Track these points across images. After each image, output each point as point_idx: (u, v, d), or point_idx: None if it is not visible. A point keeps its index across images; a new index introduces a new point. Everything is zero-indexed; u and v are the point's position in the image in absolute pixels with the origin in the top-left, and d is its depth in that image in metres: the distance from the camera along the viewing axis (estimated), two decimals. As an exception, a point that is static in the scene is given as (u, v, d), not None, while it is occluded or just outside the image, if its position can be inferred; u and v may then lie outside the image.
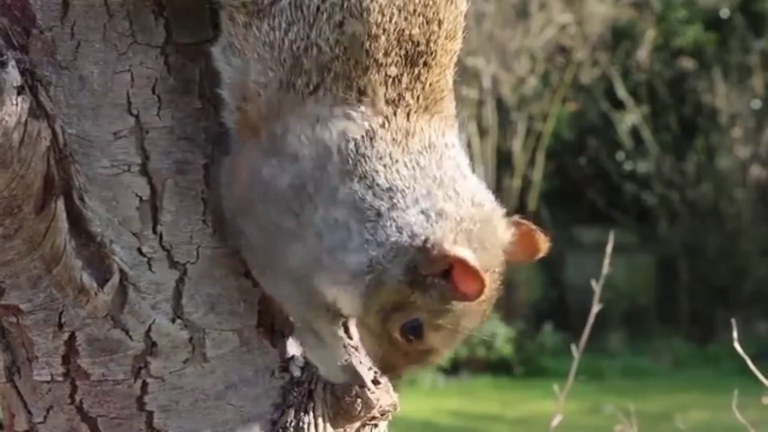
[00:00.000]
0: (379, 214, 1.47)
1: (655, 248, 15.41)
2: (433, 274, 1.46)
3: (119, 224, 1.61)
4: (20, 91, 1.52)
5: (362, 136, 1.50)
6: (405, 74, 1.53)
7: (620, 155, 15.64)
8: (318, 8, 1.50)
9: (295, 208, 1.53)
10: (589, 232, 14.87)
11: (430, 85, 1.56)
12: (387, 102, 1.53)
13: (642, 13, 15.54)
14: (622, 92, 15.26)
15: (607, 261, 2.93)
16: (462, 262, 1.44)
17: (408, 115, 1.53)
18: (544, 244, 1.56)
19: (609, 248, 2.93)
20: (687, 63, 15.41)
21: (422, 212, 1.47)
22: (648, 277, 15.36)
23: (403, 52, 1.52)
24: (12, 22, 1.59)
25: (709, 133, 15.40)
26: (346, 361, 1.61)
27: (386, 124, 1.51)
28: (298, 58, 1.51)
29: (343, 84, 1.52)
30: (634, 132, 15.47)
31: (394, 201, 1.47)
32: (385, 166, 1.48)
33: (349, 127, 1.51)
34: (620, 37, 15.47)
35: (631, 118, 15.39)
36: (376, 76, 1.51)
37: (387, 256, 1.47)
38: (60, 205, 1.58)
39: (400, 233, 1.46)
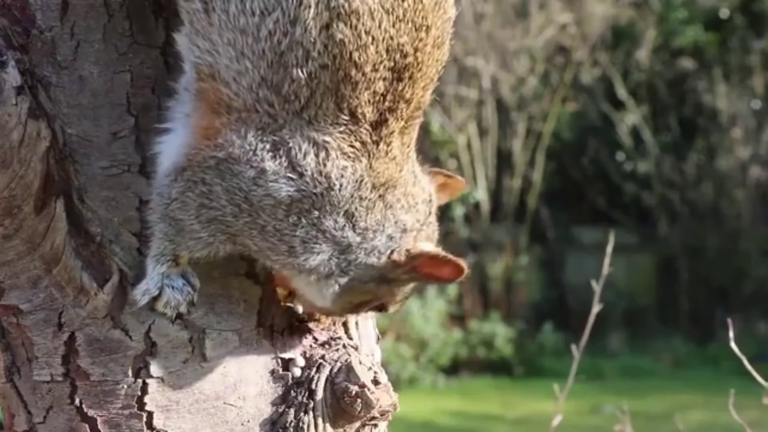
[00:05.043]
0: (350, 246, 1.57)
1: (655, 248, 15.41)
2: (402, 274, 1.60)
3: (119, 224, 1.61)
4: (20, 91, 1.52)
5: (356, 180, 1.53)
6: (390, 92, 1.51)
7: (620, 155, 15.64)
8: (300, 1, 1.46)
9: (278, 214, 1.53)
10: (589, 232, 14.87)
11: (412, 103, 1.54)
12: (372, 127, 1.52)
13: (642, 13, 15.54)
14: (622, 92, 15.26)
15: (607, 261, 2.93)
16: (429, 257, 1.59)
17: (387, 145, 1.54)
18: (460, 184, 1.75)
19: (609, 248, 2.93)
20: (687, 63, 15.41)
21: (389, 237, 1.58)
22: (648, 277, 15.36)
23: (391, 63, 1.50)
24: (12, 23, 1.59)
25: (709, 134, 15.41)
26: None
27: (370, 166, 1.54)
28: (282, 56, 1.47)
29: (333, 103, 1.49)
30: (634, 132, 15.46)
31: (367, 237, 1.57)
32: (366, 208, 1.55)
33: (348, 168, 1.52)
34: (620, 37, 15.47)
35: (631, 118, 15.39)
36: (365, 94, 1.50)
37: (353, 270, 1.58)
38: (60, 205, 1.58)
39: (368, 256, 1.58)
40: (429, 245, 1.60)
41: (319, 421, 1.66)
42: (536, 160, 14.97)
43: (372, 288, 1.61)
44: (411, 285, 1.66)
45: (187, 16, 1.52)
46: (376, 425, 1.73)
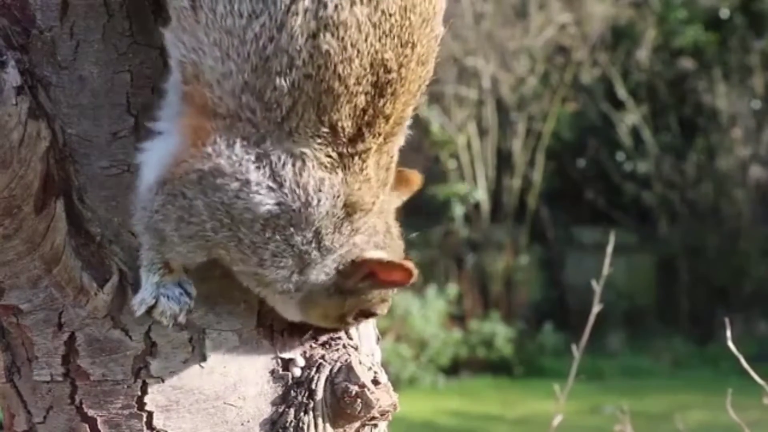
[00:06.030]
0: (310, 263, 1.56)
1: (655, 248, 15.41)
2: (356, 283, 1.59)
3: (119, 224, 1.61)
4: (20, 91, 1.52)
5: (333, 196, 1.52)
6: (371, 107, 1.50)
7: (620, 155, 15.64)
8: (288, 8, 1.45)
9: (255, 227, 1.52)
10: (589, 232, 14.87)
11: (392, 119, 1.53)
12: (350, 141, 1.51)
13: (642, 13, 15.54)
14: (622, 92, 15.26)
15: (607, 261, 2.93)
16: (378, 263, 1.58)
17: (363, 161, 1.53)
18: (416, 178, 1.71)
19: (609, 248, 2.93)
20: (687, 63, 15.41)
21: (341, 255, 1.57)
22: (648, 277, 15.35)
23: (374, 78, 1.49)
24: (12, 23, 1.59)
25: (709, 133, 15.40)
26: None
27: (346, 181, 1.53)
28: (266, 61, 1.46)
29: (314, 115, 1.48)
30: (634, 132, 15.46)
31: (325, 257, 1.57)
32: (334, 226, 1.55)
33: (326, 182, 1.51)
34: (620, 37, 15.47)
35: (631, 118, 15.39)
36: (346, 108, 1.48)
37: (307, 287, 1.58)
38: (60, 205, 1.58)
39: (319, 273, 1.58)
40: (376, 252, 1.58)
41: (319, 421, 1.66)
42: (536, 160, 14.97)
43: (338, 301, 1.61)
44: (386, 290, 1.65)
45: (174, 12, 1.51)
46: (376, 425, 1.73)
